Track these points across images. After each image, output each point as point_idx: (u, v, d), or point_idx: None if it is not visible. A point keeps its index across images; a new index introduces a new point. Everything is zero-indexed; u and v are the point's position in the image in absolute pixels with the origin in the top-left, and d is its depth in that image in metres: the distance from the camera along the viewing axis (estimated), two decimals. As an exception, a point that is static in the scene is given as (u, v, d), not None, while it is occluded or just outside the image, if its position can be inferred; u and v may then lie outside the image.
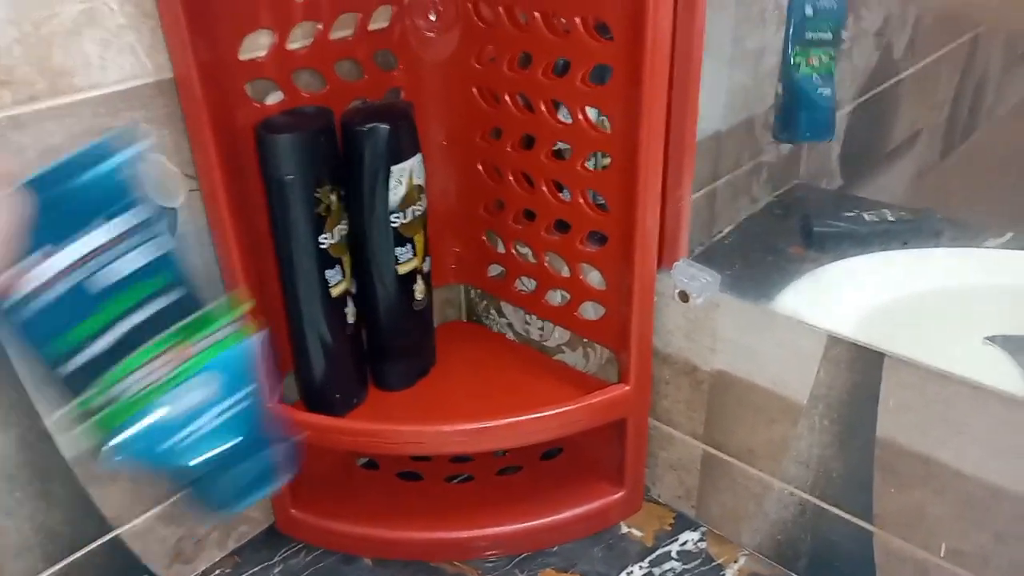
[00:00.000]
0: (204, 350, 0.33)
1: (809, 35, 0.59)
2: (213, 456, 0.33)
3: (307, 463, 0.59)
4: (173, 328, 0.32)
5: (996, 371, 0.51)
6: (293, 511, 0.57)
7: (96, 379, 0.31)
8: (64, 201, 0.28)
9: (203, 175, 0.46)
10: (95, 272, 0.30)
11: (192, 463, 0.33)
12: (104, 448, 0.32)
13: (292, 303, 0.50)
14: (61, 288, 0.29)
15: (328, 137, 0.47)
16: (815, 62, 0.59)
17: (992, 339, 0.54)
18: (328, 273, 0.49)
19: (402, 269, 0.52)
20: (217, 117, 0.44)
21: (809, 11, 0.58)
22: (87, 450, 0.37)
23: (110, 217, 0.30)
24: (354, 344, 0.53)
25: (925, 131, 0.91)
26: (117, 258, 0.30)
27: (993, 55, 0.96)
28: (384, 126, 0.48)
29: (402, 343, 0.56)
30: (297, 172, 0.45)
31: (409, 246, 0.52)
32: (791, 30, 0.59)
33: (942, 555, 0.44)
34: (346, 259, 0.50)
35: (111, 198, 0.29)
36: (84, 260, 0.29)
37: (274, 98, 0.49)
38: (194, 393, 0.32)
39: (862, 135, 0.81)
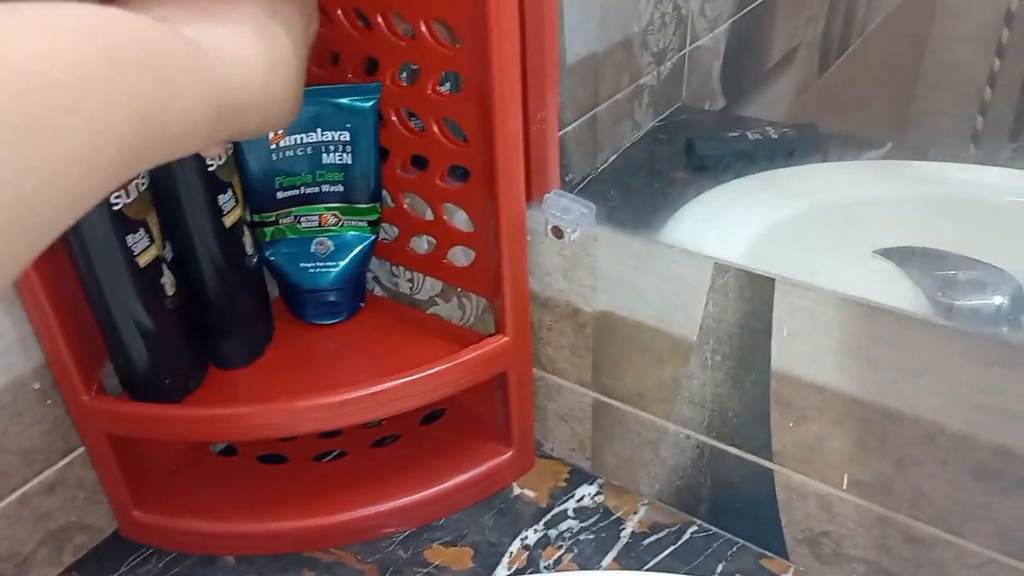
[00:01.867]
0: (343, 224, 0.50)
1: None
2: (318, 287, 0.51)
3: (148, 457, 0.51)
4: (335, 203, 0.49)
5: (888, 286, 0.48)
6: (136, 513, 0.49)
7: (283, 208, 0.49)
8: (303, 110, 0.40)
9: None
10: (310, 152, 0.47)
11: (307, 286, 0.51)
12: (267, 245, 0.50)
13: (90, 279, 0.41)
14: (290, 153, 0.47)
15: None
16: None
17: (881, 252, 0.52)
18: (131, 239, 0.40)
19: (228, 221, 0.45)
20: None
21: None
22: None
23: (326, 129, 0.47)
24: (179, 319, 0.45)
25: (803, 46, 0.90)
26: (325, 151, 0.47)
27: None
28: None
29: (241, 309, 0.48)
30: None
31: (230, 192, 0.44)
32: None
33: (844, 487, 0.41)
34: (152, 219, 0.42)
35: (330, 119, 0.46)
36: (302, 144, 0.47)
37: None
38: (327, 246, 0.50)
39: (742, 53, 0.79)
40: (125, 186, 0.39)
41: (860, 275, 0.48)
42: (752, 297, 0.40)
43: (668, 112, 0.71)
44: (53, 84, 0.20)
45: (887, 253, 0.52)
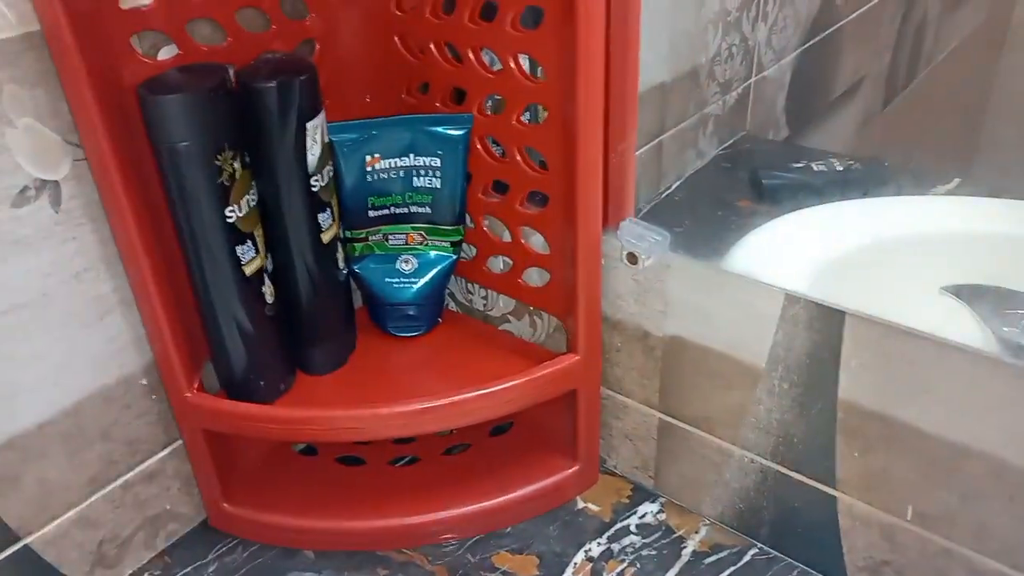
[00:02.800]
0: (428, 244, 0.53)
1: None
2: (400, 301, 0.54)
3: (238, 453, 0.55)
4: (422, 224, 0.52)
5: (955, 323, 0.49)
6: (226, 505, 0.53)
7: (374, 226, 0.52)
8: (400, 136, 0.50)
9: (88, 142, 0.40)
10: (402, 175, 0.51)
11: (390, 300, 0.54)
12: (356, 259, 0.54)
13: (201, 285, 0.45)
14: (384, 175, 0.51)
15: (226, 96, 0.41)
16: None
17: (948, 289, 0.52)
18: (239, 250, 0.44)
19: (326, 237, 0.48)
20: (99, 75, 0.39)
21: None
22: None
23: (419, 154, 0.50)
24: (276, 326, 0.48)
25: (868, 78, 0.90)
26: (416, 175, 0.51)
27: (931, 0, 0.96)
28: (295, 78, 0.43)
29: (331, 320, 0.51)
30: (191, 138, 0.40)
31: (329, 211, 0.48)
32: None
33: (908, 518, 0.42)
34: (258, 232, 0.45)
35: (423, 146, 0.50)
36: (395, 167, 0.51)
37: (168, 52, 0.43)
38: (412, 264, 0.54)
39: (807, 84, 0.80)
40: (238, 201, 0.43)
41: (927, 311, 0.49)
42: (822, 328, 0.41)
43: (732, 141, 0.72)
44: None
45: (955, 290, 0.52)
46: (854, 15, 0.83)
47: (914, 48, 0.98)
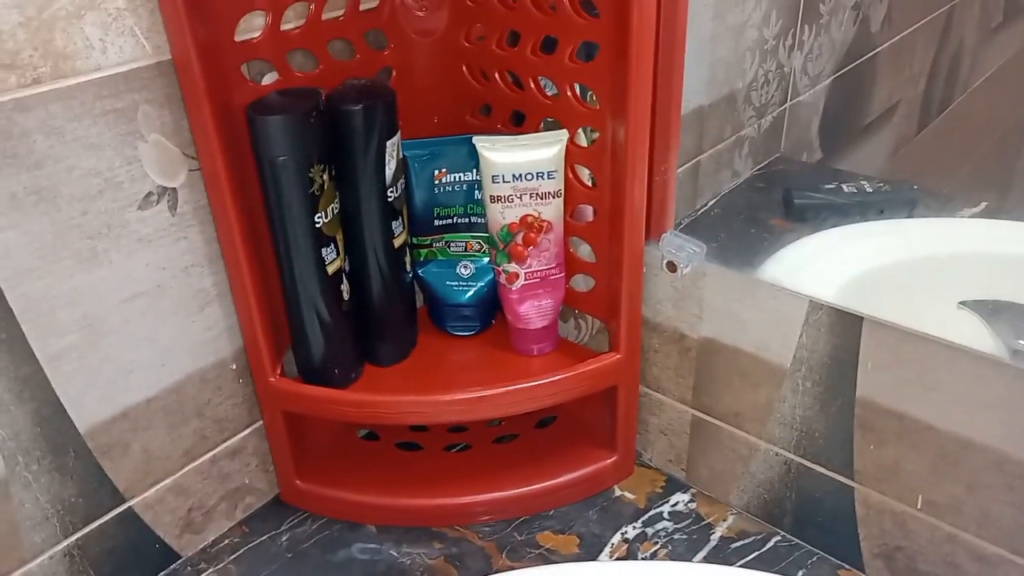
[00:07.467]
0: (485, 251, 0.58)
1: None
2: (459, 303, 0.60)
3: (309, 435, 0.61)
4: (480, 233, 0.57)
5: (968, 333, 0.53)
6: (298, 482, 0.59)
7: (438, 234, 0.58)
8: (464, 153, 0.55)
9: (203, 155, 0.47)
10: (464, 188, 0.58)
11: (449, 301, 0.59)
12: (420, 264, 0.59)
13: (289, 282, 0.51)
14: (449, 188, 0.57)
15: (319, 116, 0.47)
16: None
17: (966, 304, 0.56)
18: (324, 251, 0.50)
19: (397, 243, 0.54)
20: (215, 98, 0.45)
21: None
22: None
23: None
24: (350, 320, 0.54)
25: (902, 104, 0.93)
26: (477, 189, 0.56)
27: (968, 27, 0.98)
28: (379, 102, 0.49)
29: (397, 317, 0.57)
30: (290, 153, 0.46)
31: (400, 220, 0.53)
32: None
33: (919, 507, 0.46)
34: (339, 237, 0.51)
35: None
36: (460, 181, 0.57)
37: (270, 78, 0.50)
38: (470, 269, 0.60)
39: (841, 108, 0.83)
40: (325, 208, 0.49)
41: (944, 322, 0.53)
42: (842, 332, 0.46)
43: (766, 162, 0.76)
44: None
45: (973, 305, 0.56)
46: (889, 43, 0.86)
47: (950, 74, 1.00)
